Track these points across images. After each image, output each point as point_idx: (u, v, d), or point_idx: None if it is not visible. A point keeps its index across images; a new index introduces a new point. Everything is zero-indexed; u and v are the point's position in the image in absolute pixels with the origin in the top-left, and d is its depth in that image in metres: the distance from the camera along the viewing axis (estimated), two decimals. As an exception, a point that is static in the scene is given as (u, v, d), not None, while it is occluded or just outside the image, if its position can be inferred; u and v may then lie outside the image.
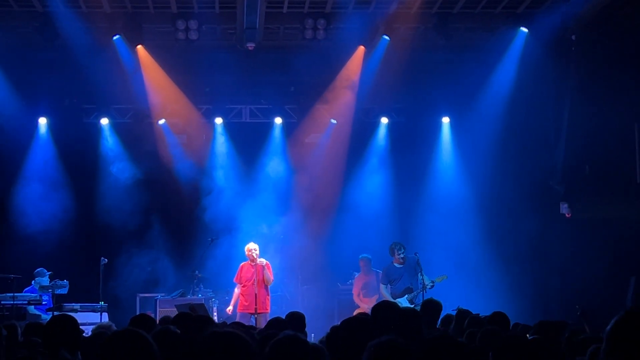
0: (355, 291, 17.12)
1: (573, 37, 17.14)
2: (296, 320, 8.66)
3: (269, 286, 15.56)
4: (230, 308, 15.70)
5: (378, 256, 16.86)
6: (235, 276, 15.57)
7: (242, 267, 15.53)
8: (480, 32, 17.63)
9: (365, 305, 16.47)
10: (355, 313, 16.08)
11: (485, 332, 6.64)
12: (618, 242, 16.87)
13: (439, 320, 9.65)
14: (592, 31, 16.93)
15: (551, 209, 18.18)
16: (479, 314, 9.39)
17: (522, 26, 17.14)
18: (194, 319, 7.44)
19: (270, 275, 15.39)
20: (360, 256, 17.09)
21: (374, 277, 16.87)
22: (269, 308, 15.40)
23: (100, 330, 7.47)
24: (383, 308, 6.98)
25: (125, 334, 4.47)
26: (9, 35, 17.03)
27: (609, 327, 3.79)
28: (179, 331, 5.60)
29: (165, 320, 8.89)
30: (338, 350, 5.84)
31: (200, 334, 5.43)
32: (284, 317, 8.85)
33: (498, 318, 8.39)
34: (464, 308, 10.06)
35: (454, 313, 9.84)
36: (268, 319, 10.57)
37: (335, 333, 6.14)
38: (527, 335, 7.58)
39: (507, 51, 17.72)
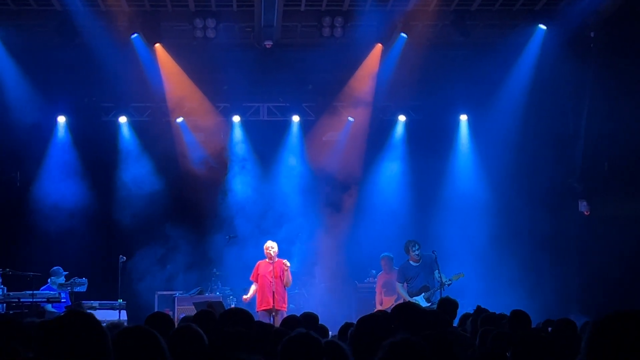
0: (377, 290, 17.06)
1: (592, 34, 17.06)
2: (310, 320, 8.66)
3: (287, 287, 15.58)
4: (247, 297, 15.60)
5: (395, 253, 16.84)
6: (252, 274, 15.56)
7: (259, 264, 15.52)
8: (499, 29, 17.61)
9: (385, 306, 16.38)
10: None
11: (499, 333, 6.62)
12: (638, 240, 16.77)
13: (457, 318, 9.64)
14: (610, 28, 16.83)
15: (570, 207, 18.12)
16: (494, 312, 9.37)
17: (541, 23, 17.08)
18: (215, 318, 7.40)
19: (290, 277, 15.41)
20: (381, 255, 17.06)
21: (395, 275, 16.84)
22: (286, 306, 15.39)
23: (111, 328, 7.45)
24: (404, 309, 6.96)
25: (134, 331, 4.48)
26: (28, 34, 17.11)
27: (587, 334, 3.78)
28: (200, 329, 5.61)
29: (186, 320, 8.88)
30: (354, 348, 5.84)
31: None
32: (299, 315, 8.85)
33: (518, 316, 8.33)
34: (483, 307, 10.03)
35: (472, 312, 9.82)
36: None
37: (353, 331, 6.15)
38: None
39: (526, 48, 17.67)
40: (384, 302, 16.66)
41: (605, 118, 17.06)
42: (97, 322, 3.82)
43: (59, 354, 3.62)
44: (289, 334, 5.04)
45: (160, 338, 4.40)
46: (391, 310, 7.04)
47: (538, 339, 5.42)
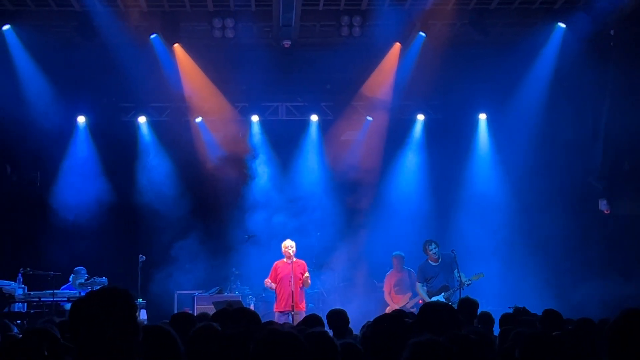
0: (386, 289, 17.07)
1: (612, 32, 16.98)
2: (337, 318, 8.71)
3: (306, 287, 15.60)
4: (269, 282, 15.54)
5: (414, 253, 16.81)
6: (270, 275, 15.52)
7: (276, 265, 15.46)
8: (518, 27, 17.53)
9: (396, 303, 16.41)
10: (387, 310, 16.06)
11: (518, 332, 6.59)
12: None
13: (477, 317, 9.61)
14: (630, 25, 16.76)
15: (590, 206, 18.04)
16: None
17: (560, 21, 17.02)
18: (231, 314, 7.43)
19: (308, 279, 15.40)
20: (393, 253, 17.06)
21: (406, 274, 16.86)
22: (304, 306, 15.39)
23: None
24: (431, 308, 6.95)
25: (153, 329, 4.51)
26: (48, 34, 17.19)
27: (608, 327, 3.79)
28: (219, 328, 5.63)
29: (203, 317, 8.92)
30: (374, 347, 5.84)
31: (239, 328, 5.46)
32: (319, 315, 8.86)
33: (551, 316, 8.29)
34: (520, 306, 10.03)
35: (510, 310, 9.82)
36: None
37: (370, 329, 6.14)
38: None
39: (545, 47, 17.60)
40: (396, 300, 16.70)
41: (625, 116, 16.98)
42: (128, 295, 3.83)
43: (92, 325, 3.64)
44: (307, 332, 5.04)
45: (177, 338, 4.43)
46: (419, 310, 7.03)
47: (546, 338, 5.38)
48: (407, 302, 16.48)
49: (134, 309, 3.81)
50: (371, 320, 8.03)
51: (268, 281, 15.46)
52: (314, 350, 4.77)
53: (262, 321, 7.49)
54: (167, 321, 7.76)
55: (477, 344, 5.18)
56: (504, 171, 18.92)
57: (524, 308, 9.84)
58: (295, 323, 13.78)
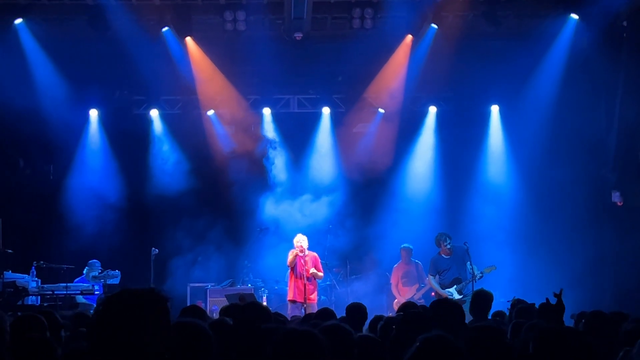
0: (393, 281, 17.08)
1: (624, 23, 16.92)
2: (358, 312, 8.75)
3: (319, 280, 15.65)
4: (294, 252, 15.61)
5: (427, 246, 16.80)
6: (288, 258, 15.51)
7: (293, 253, 15.45)
8: (530, 19, 17.50)
9: (403, 296, 16.42)
10: (394, 304, 16.11)
11: (532, 325, 6.57)
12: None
13: (491, 312, 9.58)
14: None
15: (603, 197, 17.98)
16: (534, 304, 9.32)
17: (573, 12, 16.96)
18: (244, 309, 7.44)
19: (320, 271, 15.42)
20: (401, 245, 17.06)
21: (414, 267, 16.88)
22: (316, 298, 15.45)
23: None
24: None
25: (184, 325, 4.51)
26: (60, 27, 17.22)
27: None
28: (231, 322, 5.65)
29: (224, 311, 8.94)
30: (393, 341, 5.85)
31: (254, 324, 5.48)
32: (332, 307, 8.90)
33: (547, 308, 8.23)
34: (518, 298, 9.96)
35: (508, 304, 9.77)
36: (316, 308, 10.60)
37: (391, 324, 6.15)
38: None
39: (558, 38, 17.55)
40: (403, 292, 16.73)
41: (638, 107, 16.89)
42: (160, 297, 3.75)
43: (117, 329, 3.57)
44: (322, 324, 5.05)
45: (210, 334, 4.44)
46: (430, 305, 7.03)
47: (562, 332, 5.35)
48: (415, 294, 16.50)
49: (168, 313, 3.69)
50: (382, 313, 8.05)
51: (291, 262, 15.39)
52: (330, 343, 4.78)
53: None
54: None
55: (486, 339, 5.16)
56: (516, 163, 18.89)
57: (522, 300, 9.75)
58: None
